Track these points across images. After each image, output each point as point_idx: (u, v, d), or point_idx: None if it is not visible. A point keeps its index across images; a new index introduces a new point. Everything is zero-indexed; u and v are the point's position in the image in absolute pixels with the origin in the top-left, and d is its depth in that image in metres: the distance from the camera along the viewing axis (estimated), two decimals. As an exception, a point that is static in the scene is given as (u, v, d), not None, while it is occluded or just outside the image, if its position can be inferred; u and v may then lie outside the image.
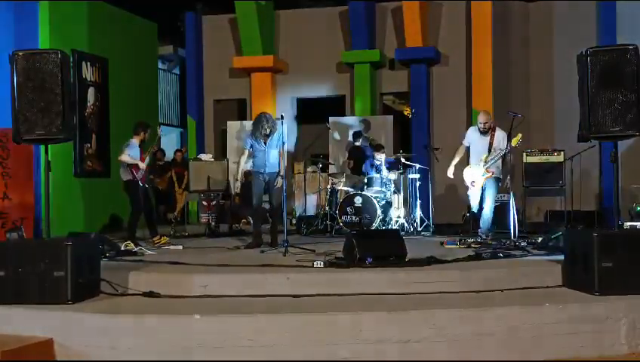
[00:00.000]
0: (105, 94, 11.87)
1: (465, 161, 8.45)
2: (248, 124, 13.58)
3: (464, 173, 8.22)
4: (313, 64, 13.72)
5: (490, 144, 8.03)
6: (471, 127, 8.48)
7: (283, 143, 7.80)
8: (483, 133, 8.09)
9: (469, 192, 8.24)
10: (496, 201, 9.29)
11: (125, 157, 8.29)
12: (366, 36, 13.19)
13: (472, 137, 8.25)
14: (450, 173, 8.41)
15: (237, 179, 7.98)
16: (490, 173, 8.03)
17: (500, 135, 8.06)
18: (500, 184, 8.29)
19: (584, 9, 12.46)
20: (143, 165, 8.37)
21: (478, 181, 8.07)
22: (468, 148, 8.39)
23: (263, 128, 7.70)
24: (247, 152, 7.94)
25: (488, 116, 8.19)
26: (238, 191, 7.93)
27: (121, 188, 8.58)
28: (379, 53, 13.23)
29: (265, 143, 7.76)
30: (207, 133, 14.51)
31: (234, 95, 14.60)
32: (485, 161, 8.00)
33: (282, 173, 7.75)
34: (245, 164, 8.10)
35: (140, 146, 8.50)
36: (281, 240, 7.23)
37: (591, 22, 12.31)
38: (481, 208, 8.20)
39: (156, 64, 14.98)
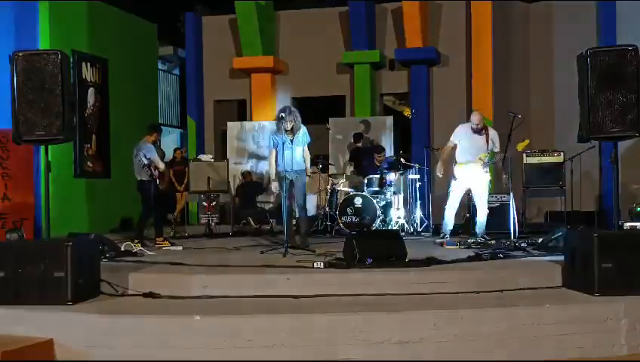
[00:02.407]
0: (105, 95, 11.88)
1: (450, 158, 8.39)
2: (248, 125, 13.62)
3: (456, 168, 8.13)
4: (313, 64, 13.71)
5: (486, 143, 8.03)
6: (461, 126, 8.29)
7: (308, 142, 7.56)
8: (477, 132, 8.08)
9: (452, 187, 8.17)
10: (495, 202, 9.32)
11: (156, 160, 8.34)
12: (366, 37, 13.19)
13: (464, 135, 8.15)
14: (440, 172, 8.36)
15: (273, 180, 7.62)
16: (488, 174, 8.06)
17: (492, 133, 8.08)
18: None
19: (584, 9, 12.46)
20: (162, 166, 8.48)
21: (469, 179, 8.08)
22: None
23: (284, 122, 7.34)
24: (273, 151, 7.55)
25: (482, 116, 8.19)
26: (275, 190, 7.74)
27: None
28: (379, 53, 13.23)
29: (291, 141, 7.39)
30: (207, 133, 14.51)
31: (234, 96, 14.61)
32: (484, 161, 7.98)
33: (309, 172, 7.56)
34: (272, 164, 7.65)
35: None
36: (282, 241, 7.20)
37: (591, 22, 12.31)
38: (474, 209, 8.26)
39: (156, 65, 15.00)
